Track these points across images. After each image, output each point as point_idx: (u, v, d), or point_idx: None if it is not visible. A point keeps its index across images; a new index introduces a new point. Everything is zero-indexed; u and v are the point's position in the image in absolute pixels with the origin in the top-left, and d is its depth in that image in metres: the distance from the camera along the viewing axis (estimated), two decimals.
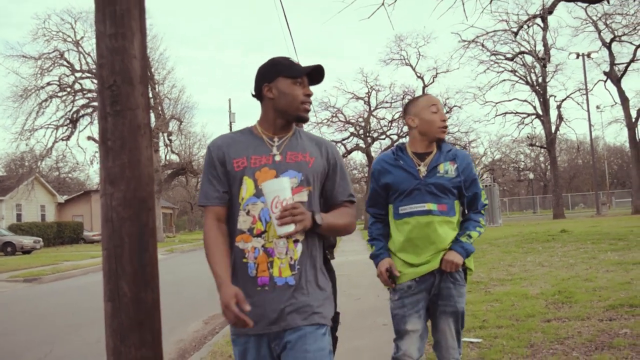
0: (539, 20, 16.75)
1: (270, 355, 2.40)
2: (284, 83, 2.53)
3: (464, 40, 32.35)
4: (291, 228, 2.31)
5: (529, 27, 30.03)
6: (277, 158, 2.49)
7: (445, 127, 3.28)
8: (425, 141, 3.27)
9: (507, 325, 5.91)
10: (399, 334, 3.24)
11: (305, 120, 2.58)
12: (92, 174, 67.57)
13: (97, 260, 24.64)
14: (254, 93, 2.63)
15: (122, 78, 2.45)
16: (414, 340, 3.19)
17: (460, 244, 3.17)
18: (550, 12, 14.40)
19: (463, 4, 13.27)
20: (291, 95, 2.51)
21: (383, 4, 9.69)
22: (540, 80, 41.18)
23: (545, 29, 35.93)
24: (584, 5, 17.50)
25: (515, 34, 24.90)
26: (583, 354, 4.76)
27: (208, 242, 2.44)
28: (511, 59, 40.88)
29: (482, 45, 37.51)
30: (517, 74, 42.05)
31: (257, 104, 2.66)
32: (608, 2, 17.66)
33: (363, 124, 49.87)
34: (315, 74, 2.56)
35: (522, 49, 40.40)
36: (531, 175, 69.07)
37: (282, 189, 2.35)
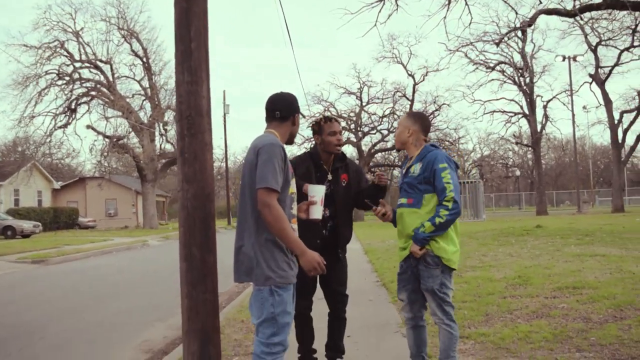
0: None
1: None
2: (299, 119, 3.71)
3: (449, 50, 33.62)
4: None
5: (509, 39, 31.23)
6: None
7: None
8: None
9: (470, 300, 7.18)
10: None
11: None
12: (87, 162, 68.37)
13: (97, 245, 25.77)
14: (279, 113, 3.59)
15: (195, 112, 3.63)
16: (404, 305, 4.32)
17: (415, 235, 4.02)
18: (530, 25, 15.56)
19: (445, 25, 14.32)
20: (298, 129, 3.75)
21: (375, 25, 10.86)
22: (527, 80, 42.56)
23: (524, 40, 37.27)
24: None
25: (497, 44, 26.09)
26: (525, 320, 6.03)
27: (283, 218, 3.26)
28: (492, 68, 42.37)
29: (466, 55, 38.75)
30: (505, 74, 43.43)
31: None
32: (582, 19, 18.86)
33: (354, 119, 51.07)
34: None
35: (507, 54, 41.90)
36: (518, 172, 70.52)
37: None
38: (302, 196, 4.09)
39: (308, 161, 4.74)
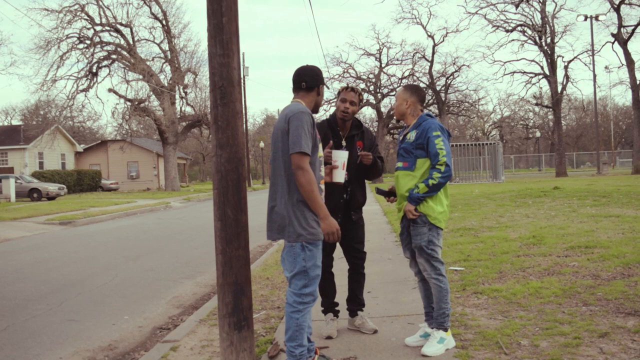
0: None
1: None
2: (323, 89, 4.04)
3: (469, 13, 33.36)
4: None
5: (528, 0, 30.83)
6: None
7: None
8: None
9: (485, 259, 7.50)
10: None
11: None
12: (108, 125, 68.95)
13: (121, 207, 26.34)
14: (306, 84, 3.90)
15: (227, 82, 3.92)
16: (410, 262, 4.68)
17: (410, 195, 4.35)
18: None
19: None
20: (322, 99, 4.06)
21: None
22: (548, 40, 42.06)
23: (544, 2, 36.58)
24: None
25: (517, 5, 25.83)
26: (536, 277, 6.34)
27: (314, 182, 3.60)
28: (512, 30, 41.89)
29: (485, 17, 38.34)
30: (526, 34, 42.94)
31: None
32: None
33: (374, 80, 50.92)
34: None
35: (528, 14, 41.36)
36: (538, 134, 70.06)
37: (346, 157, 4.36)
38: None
39: (325, 128, 5.00)
